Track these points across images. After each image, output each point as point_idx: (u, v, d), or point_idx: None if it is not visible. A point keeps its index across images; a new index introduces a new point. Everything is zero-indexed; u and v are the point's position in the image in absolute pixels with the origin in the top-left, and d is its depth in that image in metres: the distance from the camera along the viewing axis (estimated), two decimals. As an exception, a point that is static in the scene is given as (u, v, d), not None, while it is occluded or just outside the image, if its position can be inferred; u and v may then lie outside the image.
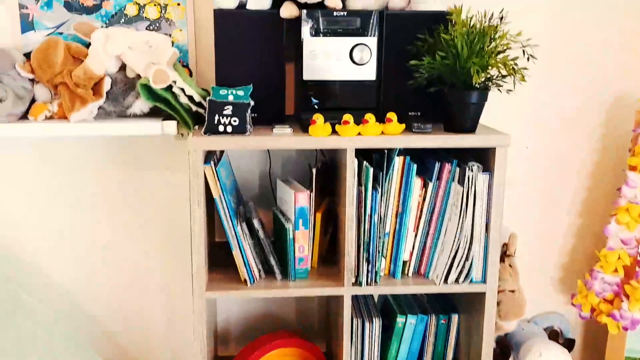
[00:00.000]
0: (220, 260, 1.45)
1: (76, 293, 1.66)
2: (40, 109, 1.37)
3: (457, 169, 1.34)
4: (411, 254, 1.41)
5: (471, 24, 1.27)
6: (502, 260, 1.60)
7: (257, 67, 1.38)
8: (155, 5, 1.49)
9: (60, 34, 1.48)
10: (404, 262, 1.41)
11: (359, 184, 1.32)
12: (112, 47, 1.37)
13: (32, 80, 1.41)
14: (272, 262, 1.38)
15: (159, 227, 1.65)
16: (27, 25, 1.47)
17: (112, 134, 1.35)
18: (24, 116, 1.38)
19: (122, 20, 1.49)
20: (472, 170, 1.30)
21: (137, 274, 1.67)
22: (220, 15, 1.35)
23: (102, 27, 1.47)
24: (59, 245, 1.62)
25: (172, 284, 1.69)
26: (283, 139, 1.26)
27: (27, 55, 1.45)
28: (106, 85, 1.36)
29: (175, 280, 1.68)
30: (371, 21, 1.31)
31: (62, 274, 1.64)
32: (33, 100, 1.41)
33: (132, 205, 1.62)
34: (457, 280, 1.38)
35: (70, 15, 1.47)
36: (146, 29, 1.49)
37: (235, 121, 1.28)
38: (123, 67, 1.42)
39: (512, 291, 1.53)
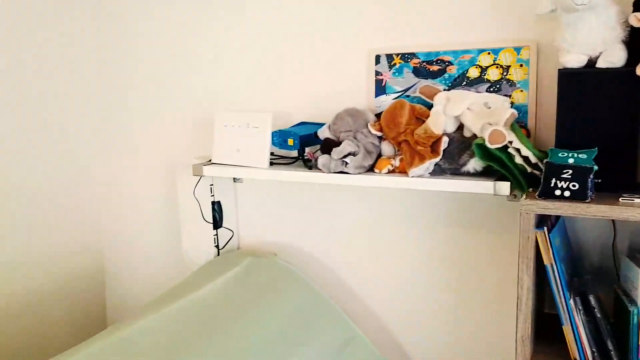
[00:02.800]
0: (547, 333, 1.35)
1: (400, 338, 1.76)
2: (384, 163, 1.52)
3: None
4: None
5: None
6: None
7: (604, 129, 1.26)
8: (497, 67, 1.51)
9: (407, 96, 1.63)
10: None
11: None
12: (452, 108, 1.44)
13: (379, 137, 1.58)
14: (610, 346, 1.22)
15: (482, 287, 1.63)
16: (380, 89, 1.66)
17: (446, 189, 1.40)
18: (371, 169, 1.55)
19: (464, 82, 1.55)
20: None
21: (458, 329, 1.68)
22: (565, 75, 1.29)
23: (444, 89, 1.57)
24: (388, 288, 1.75)
25: (495, 348, 1.64)
26: (631, 209, 1.12)
27: (377, 116, 1.64)
28: (443, 144, 1.43)
29: (497, 345, 1.63)
30: None
31: (389, 316, 1.76)
32: (379, 155, 1.57)
33: (458, 262, 1.65)
34: None
35: (417, 80, 1.61)
36: (486, 90, 1.53)
37: (574, 186, 1.19)
38: (460, 127, 1.47)
39: None
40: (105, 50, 2.13)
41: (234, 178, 1.93)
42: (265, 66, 1.84)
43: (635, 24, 1.23)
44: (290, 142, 1.63)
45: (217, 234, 1.86)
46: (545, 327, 1.37)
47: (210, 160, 1.79)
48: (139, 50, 2.06)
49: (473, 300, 1.64)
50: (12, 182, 1.87)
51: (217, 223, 1.85)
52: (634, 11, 1.26)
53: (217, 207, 1.86)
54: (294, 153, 1.81)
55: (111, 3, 2.09)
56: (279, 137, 1.65)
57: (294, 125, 1.77)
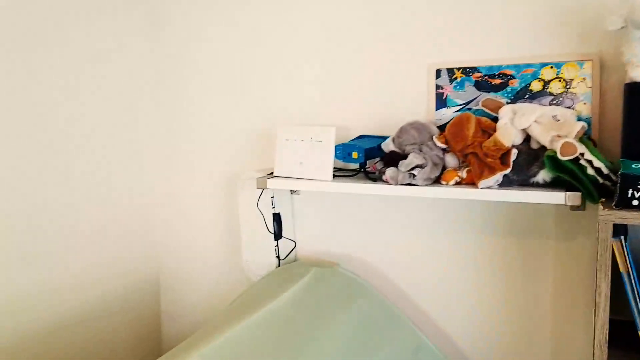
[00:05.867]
0: (619, 339, 1.39)
1: (463, 347, 1.80)
2: (452, 174, 1.56)
3: None
4: None
5: None
6: None
7: (674, 139, 1.31)
8: (560, 81, 1.56)
9: (469, 109, 1.67)
10: None
11: None
12: (521, 121, 1.48)
13: (444, 150, 1.62)
14: (687, 352, 1.26)
15: (544, 295, 1.67)
16: (440, 102, 1.71)
17: (517, 200, 1.45)
18: (437, 180, 1.60)
19: (526, 95, 1.60)
20: None
21: (524, 335, 1.72)
22: (631, 89, 1.33)
23: (507, 102, 1.61)
24: (451, 298, 1.79)
25: (563, 355, 1.68)
26: None
27: (440, 128, 1.69)
28: (513, 156, 1.48)
29: (565, 352, 1.67)
30: None
31: (452, 325, 1.80)
32: (444, 167, 1.62)
33: (520, 270, 1.69)
34: None
35: (478, 93, 1.66)
36: (549, 103, 1.57)
37: (653, 196, 1.23)
38: (527, 139, 1.52)
39: None
40: (165, 65, 2.18)
41: (291, 190, 1.98)
42: (325, 81, 1.89)
43: None
44: (354, 155, 1.68)
45: (277, 245, 1.90)
46: (616, 333, 1.41)
47: (271, 173, 1.84)
48: (200, 64, 2.11)
49: (536, 308, 1.68)
50: (70, 193, 1.92)
51: (277, 234, 1.90)
52: (702, 27, 1.31)
53: (276, 218, 1.91)
54: (354, 165, 1.85)
55: (170, 17, 2.15)
56: (343, 151, 1.70)
57: (354, 139, 1.81)
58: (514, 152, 1.48)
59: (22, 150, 1.74)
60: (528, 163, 1.49)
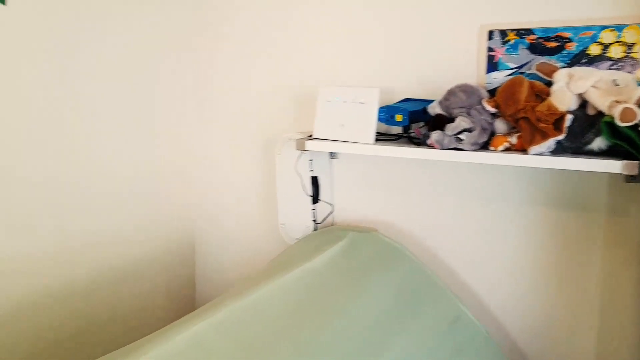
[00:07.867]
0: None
1: (503, 320, 1.75)
2: (501, 140, 1.50)
3: None
4: None
5: None
6: None
7: None
8: (621, 44, 1.48)
9: (522, 73, 1.60)
10: None
11: None
12: (577, 85, 1.41)
13: (493, 115, 1.56)
14: None
15: (589, 270, 1.61)
16: (491, 66, 1.64)
17: (571, 168, 1.38)
18: (484, 146, 1.54)
19: (584, 60, 1.52)
20: None
21: (565, 312, 1.66)
22: None
23: (562, 67, 1.54)
24: (492, 269, 1.74)
25: (604, 331, 1.62)
26: None
27: (490, 92, 1.62)
28: (567, 121, 1.41)
29: (611, 332, 1.61)
30: None
31: (492, 297, 1.75)
32: (492, 133, 1.56)
33: (564, 243, 1.63)
34: None
35: (532, 57, 1.58)
36: (608, 68, 1.49)
37: None
38: (583, 105, 1.45)
39: None
40: (204, 25, 2.15)
41: (330, 154, 1.94)
42: (370, 41, 1.84)
43: None
44: (398, 117, 1.63)
45: (315, 209, 1.88)
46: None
47: (310, 136, 1.80)
48: (239, 24, 2.08)
49: (583, 283, 1.62)
50: (108, 155, 1.93)
51: (315, 198, 1.87)
52: None
53: (314, 182, 1.88)
54: (396, 129, 1.80)
55: (208, -22, 2.11)
56: (386, 113, 1.65)
57: (398, 102, 1.76)
58: (569, 117, 1.41)
59: (63, 110, 1.74)
60: (583, 130, 1.42)
